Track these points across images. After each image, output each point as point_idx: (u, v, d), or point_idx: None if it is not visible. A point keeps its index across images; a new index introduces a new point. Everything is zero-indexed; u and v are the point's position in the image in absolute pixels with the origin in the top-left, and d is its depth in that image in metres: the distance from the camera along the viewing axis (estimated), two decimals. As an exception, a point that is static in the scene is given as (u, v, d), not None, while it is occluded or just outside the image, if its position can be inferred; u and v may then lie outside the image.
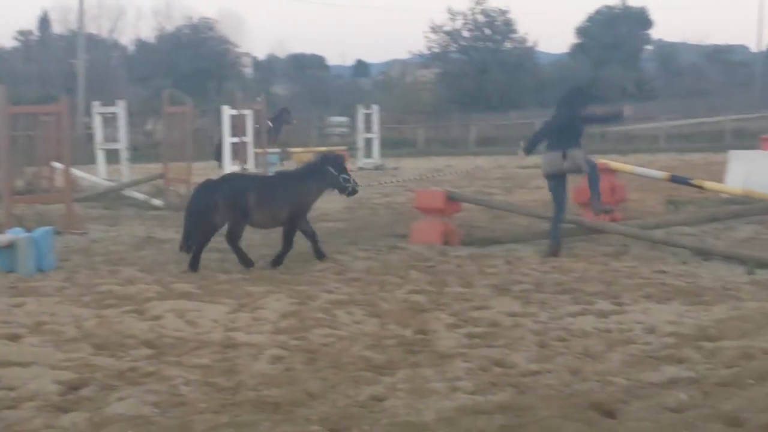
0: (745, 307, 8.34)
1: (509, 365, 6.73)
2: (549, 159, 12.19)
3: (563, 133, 12.14)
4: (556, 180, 12.22)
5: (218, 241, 13.66)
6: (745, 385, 5.98)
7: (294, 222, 11.57)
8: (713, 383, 6.05)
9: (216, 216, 11.29)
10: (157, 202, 19.06)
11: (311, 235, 11.80)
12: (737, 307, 8.36)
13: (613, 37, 69.23)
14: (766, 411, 5.42)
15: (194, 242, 11.33)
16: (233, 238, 11.37)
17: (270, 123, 35.83)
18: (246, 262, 11.32)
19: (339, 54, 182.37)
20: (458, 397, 5.99)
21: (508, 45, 67.90)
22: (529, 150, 12.70)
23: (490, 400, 5.89)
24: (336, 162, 11.98)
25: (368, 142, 33.72)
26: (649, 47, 75.17)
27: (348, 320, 8.31)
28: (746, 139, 34.11)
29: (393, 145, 43.73)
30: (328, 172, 11.80)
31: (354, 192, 12.07)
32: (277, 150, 29.39)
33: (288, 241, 11.53)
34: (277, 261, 11.41)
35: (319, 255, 11.67)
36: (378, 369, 6.67)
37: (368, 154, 33.27)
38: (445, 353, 7.08)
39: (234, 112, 24.26)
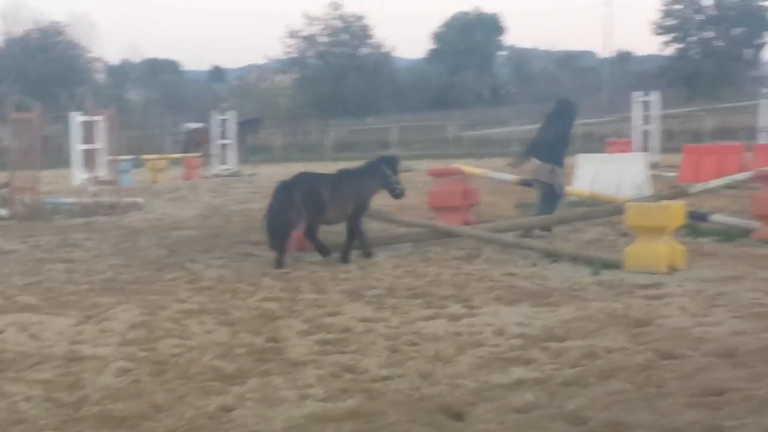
0: (590, 307, 8.52)
1: (360, 371, 6.72)
2: (543, 169, 13.50)
3: (556, 146, 13.47)
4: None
5: (65, 250, 13.34)
6: (588, 384, 6.11)
7: (356, 217, 12.13)
8: (558, 383, 6.16)
9: (295, 212, 11.69)
10: (2, 211, 18.44)
11: (353, 234, 12.16)
12: (583, 308, 8.54)
13: (468, 43, 70.36)
14: (607, 409, 5.54)
15: (280, 241, 11.57)
16: (312, 232, 12.01)
17: (237, 127, 35.30)
18: (324, 251, 11.87)
19: (194, 59, 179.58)
20: (308, 404, 5.95)
21: (365, 50, 68.36)
22: (524, 159, 14.31)
23: (340, 407, 5.87)
24: (391, 163, 12.62)
25: (224, 149, 33.35)
26: (502, 53, 76.73)
27: (199, 330, 8.18)
28: (594, 143, 35.06)
29: (250, 151, 43.39)
30: (383, 172, 12.38)
31: (401, 195, 12.71)
32: (129, 157, 28.79)
33: (357, 234, 12.13)
34: (345, 257, 11.89)
35: (345, 259, 11.88)
36: (228, 378, 6.57)
37: (224, 161, 32.91)
38: (297, 360, 7.02)
39: (85, 118, 23.74)
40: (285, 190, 11.88)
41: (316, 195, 11.75)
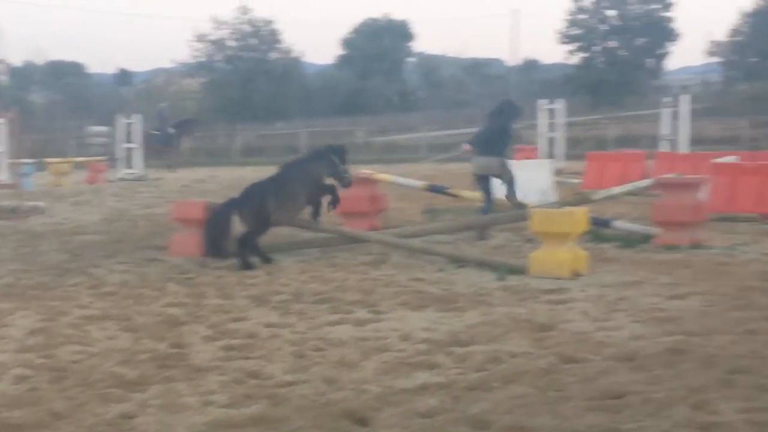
0: (496, 312, 8.60)
1: (265, 377, 6.67)
2: (482, 162, 13.83)
3: (494, 140, 13.81)
4: (484, 180, 13.96)
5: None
6: (492, 388, 6.16)
7: (317, 199, 12.51)
8: (462, 387, 6.20)
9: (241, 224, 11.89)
10: None
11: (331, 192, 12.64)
12: (488, 313, 8.61)
13: (377, 49, 70.53)
14: (510, 413, 5.60)
15: (217, 251, 11.75)
16: (246, 242, 11.77)
17: (172, 129, 34.53)
18: (247, 266, 11.45)
19: (100, 61, 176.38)
20: (211, 411, 5.88)
21: (273, 55, 68.02)
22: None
23: (243, 413, 5.82)
24: (339, 152, 12.84)
25: (129, 153, 32.88)
26: (411, 59, 77.09)
27: (100, 336, 8.04)
28: (502, 150, 35.44)
29: (156, 155, 42.85)
30: (332, 160, 12.63)
31: (349, 183, 13.03)
32: (31, 161, 28.20)
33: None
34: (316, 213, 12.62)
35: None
36: (129, 385, 6.46)
37: (129, 165, 32.45)
38: (200, 367, 6.94)
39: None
40: (229, 206, 12.03)
41: (264, 209, 11.93)
